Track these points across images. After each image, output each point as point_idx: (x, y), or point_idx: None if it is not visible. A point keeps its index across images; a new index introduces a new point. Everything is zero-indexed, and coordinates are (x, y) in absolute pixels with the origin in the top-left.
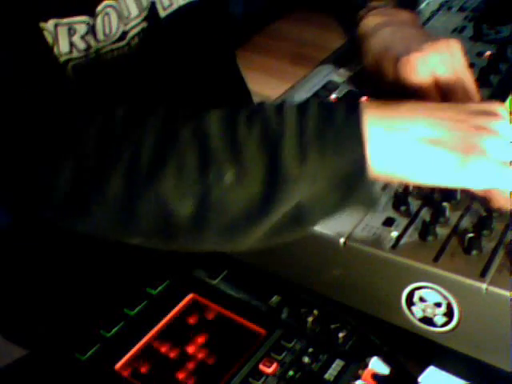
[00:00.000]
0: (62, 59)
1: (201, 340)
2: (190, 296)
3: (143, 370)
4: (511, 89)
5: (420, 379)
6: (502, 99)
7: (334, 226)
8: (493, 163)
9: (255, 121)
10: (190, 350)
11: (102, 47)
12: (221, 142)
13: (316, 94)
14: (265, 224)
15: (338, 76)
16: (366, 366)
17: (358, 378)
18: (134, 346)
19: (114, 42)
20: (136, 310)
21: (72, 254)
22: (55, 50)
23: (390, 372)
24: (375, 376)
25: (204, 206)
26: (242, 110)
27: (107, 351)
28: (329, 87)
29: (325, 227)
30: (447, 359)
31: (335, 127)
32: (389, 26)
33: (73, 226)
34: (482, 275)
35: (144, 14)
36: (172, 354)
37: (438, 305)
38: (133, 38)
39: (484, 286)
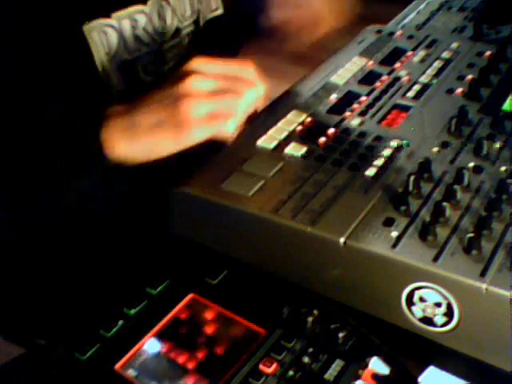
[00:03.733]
0: (131, 57)
1: (200, 340)
2: (190, 296)
3: (143, 368)
4: (511, 89)
5: (420, 379)
6: (502, 99)
7: (334, 227)
8: (197, 124)
9: None
10: (190, 350)
11: (161, 43)
12: None
13: (315, 94)
14: None
15: (338, 76)
16: (366, 365)
17: (358, 378)
18: (133, 345)
19: (171, 39)
20: (136, 310)
21: (72, 253)
22: (122, 48)
23: (390, 372)
24: (375, 376)
25: None
26: None
27: (107, 351)
28: (328, 87)
29: (325, 227)
30: (447, 359)
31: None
32: None
33: None
34: (482, 275)
35: (194, 16)
36: (172, 354)
37: (438, 305)
38: (185, 36)
39: (484, 285)
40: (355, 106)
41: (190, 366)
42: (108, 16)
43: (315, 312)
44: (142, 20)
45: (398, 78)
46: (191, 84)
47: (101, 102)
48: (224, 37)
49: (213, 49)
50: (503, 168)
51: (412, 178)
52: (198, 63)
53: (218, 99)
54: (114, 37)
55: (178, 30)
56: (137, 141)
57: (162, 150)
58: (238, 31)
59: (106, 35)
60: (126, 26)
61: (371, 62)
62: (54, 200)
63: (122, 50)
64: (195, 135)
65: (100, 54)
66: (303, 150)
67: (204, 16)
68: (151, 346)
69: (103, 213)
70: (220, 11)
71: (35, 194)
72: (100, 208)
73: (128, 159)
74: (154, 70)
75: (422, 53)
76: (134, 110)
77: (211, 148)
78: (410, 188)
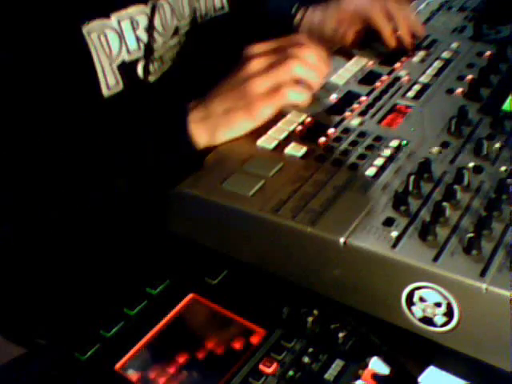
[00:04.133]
0: (131, 58)
1: (200, 340)
2: (189, 296)
3: (144, 369)
4: (511, 89)
5: (420, 379)
6: (502, 99)
7: (334, 227)
8: (263, 100)
9: None
10: (190, 349)
11: (162, 43)
12: None
13: (315, 94)
14: None
15: (338, 76)
16: (366, 365)
17: (358, 378)
18: (133, 345)
19: (170, 38)
20: (136, 310)
21: (72, 253)
22: (123, 49)
23: (390, 372)
24: (375, 376)
25: None
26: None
27: (107, 351)
28: (328, 87)
29: (325, 227)
30: (447, 359)
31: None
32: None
33: None
34: (482, 275)
35: (192, 15)
36: (172, 354)
37: (438, 305)
38: (183, 35)
39: (484, 285)
40: (355, 105)
41: (190, 365)
42: (107, 16)
43: (315, 312)
44: (142, 20)
45: (398, 78)
46: (249, 66)
47: (98, 105)
48: (225, 36)
49: (211, 47)
50: (503, 168)
51: (412, 177)
52: (252, 48)
53: (276, 70)
54: (114, 38)
55: (177, 29)
56: (215, 128)
57: (239, 131)
58: (242, 31)
59: (105, 37)
60: (127, 27)
61: (371, 62)
62: (54, 202)
63: (122, 52)
64: (265, 111)
65: (99, 56)
66: (303, 149)
67: (203, 14)
68: (151, 346)
69: (103, 213)
70: (226, 10)
71: (36, 194)
72: (100, 208)
73: (210, 145)
74: (153, 70)
75: (421, 53)
76: (206, 101)
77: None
78: (410, 188)
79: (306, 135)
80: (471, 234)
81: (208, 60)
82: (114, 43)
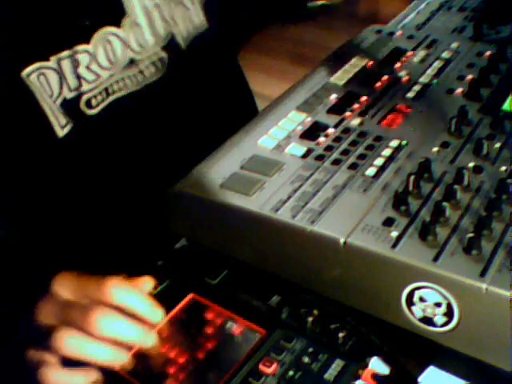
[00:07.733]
0: (73, 95)
1: (200, 340)
2: (190, 296)
3: (143, 369)
4: (511, 89)
5: (420, 379)
6: (502, 99)
7: (334, 226)
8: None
9: None
10: (190, 349)
11: (110, 76)
12: None
13: (315, 94)
14: None
15: (338, 76)
16: (366, 365)
17: (358, 378)
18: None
19: (123, 69)
20: None
21: (72, 253)
22: (64, 87)
23: (390, 372)
24: (375, 376)
25: None
26: None
27: None
28: (328, 87)
29: (325, 227)
30: (447, 359)
31: None
32: None
33: None
34: (482, 275)
35: (162, 43)
36: (172, 354)
37: (438, 305)
38: (147, 66)
39: (484, 285)
40: (355, 106)
41: (191, 366)
42: (47, 59)
43: (315, 312)
44: (84, 59)
45: (398, 78)
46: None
47: (49, 149)
48: (209, 52)
49: (199, 68)
50: (503, 168)
51: (412, 177)
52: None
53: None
54: (53, 78)
55: (132, 61)
56: None
57: None
58: (225, 43)
59: (45, 77)
60: (66, 67)
61: (371, 62)
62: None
63: (63, 90)
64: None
65: (42, 98)
66: (303, 149)
67: (186, 37)
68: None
69: (103, 213)
70: (205, 26)
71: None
72: (100, 208)
73: None
74: (97, 103)
75: (422, 53)
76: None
77: (211, 149)
78: (410, 188)
79: (306, 135)
80: (471, 234)
81: (192, 84)
82: (53, 83)
